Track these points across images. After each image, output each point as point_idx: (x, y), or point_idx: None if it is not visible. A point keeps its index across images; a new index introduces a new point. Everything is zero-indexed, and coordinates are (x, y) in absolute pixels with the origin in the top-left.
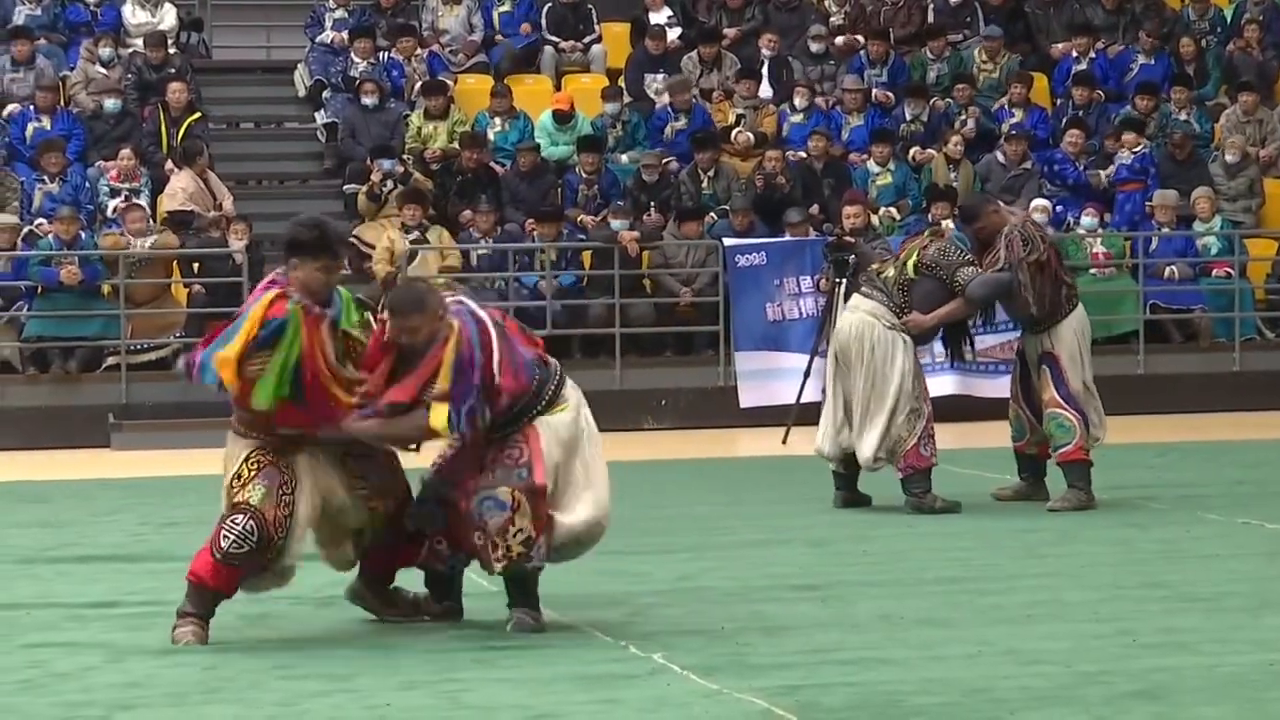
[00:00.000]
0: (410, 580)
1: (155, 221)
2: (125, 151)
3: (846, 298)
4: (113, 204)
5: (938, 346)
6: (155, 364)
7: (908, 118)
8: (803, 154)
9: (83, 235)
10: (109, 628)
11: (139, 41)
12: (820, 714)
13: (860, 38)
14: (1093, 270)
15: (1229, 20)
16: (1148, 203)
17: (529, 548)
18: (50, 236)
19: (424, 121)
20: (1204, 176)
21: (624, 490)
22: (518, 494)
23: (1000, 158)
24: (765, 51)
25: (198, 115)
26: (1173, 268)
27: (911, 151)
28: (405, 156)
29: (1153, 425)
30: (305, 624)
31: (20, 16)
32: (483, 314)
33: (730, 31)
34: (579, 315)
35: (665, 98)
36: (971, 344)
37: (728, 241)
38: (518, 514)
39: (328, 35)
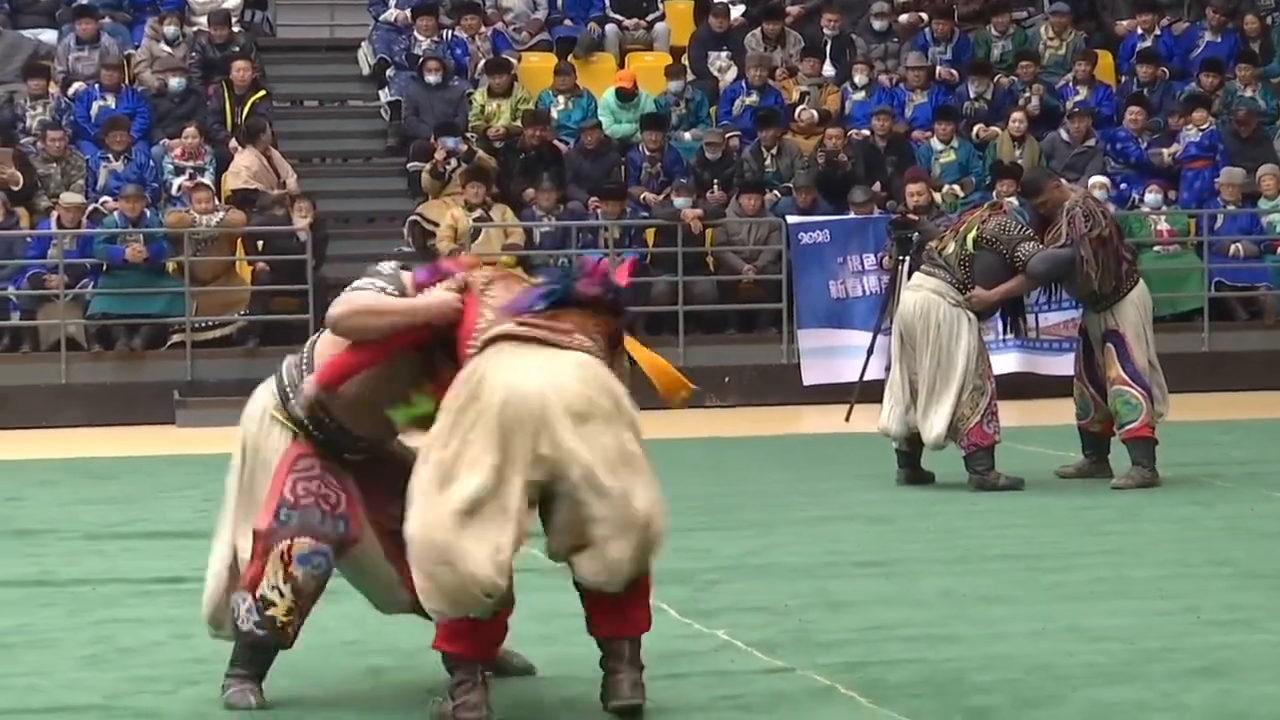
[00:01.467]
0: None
1: (220, 199)
2: (189, 130)
3: (909, 275)
4: (178, 182)
5: (998, 323)
6: (220, 341)
7: (971, 95)
8: (866, 132)
9: (148, 213)
10: (175, 603)
11: (203, 20)
12: (884, 691)
13: (924, 15)
14: (1157, 247)
15: None
16: (1216, 180)
17: None
18: (115, 214)
19: (487, 99)
20: (1269, 153)
21: (688, 467)
22: None
23: (1064, 135)
24: (828, 29)
25: (262, 93)
26: (1238, 245)
27: (975, 129)
28: (469, 134)
29: (1217, 403)
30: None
31: None
32: None
33: (793, 9)
34: (642, 293)
35: (731, 74)
36: (1025, 319)
37: (791, 219)
38: None
39: (391, 13)
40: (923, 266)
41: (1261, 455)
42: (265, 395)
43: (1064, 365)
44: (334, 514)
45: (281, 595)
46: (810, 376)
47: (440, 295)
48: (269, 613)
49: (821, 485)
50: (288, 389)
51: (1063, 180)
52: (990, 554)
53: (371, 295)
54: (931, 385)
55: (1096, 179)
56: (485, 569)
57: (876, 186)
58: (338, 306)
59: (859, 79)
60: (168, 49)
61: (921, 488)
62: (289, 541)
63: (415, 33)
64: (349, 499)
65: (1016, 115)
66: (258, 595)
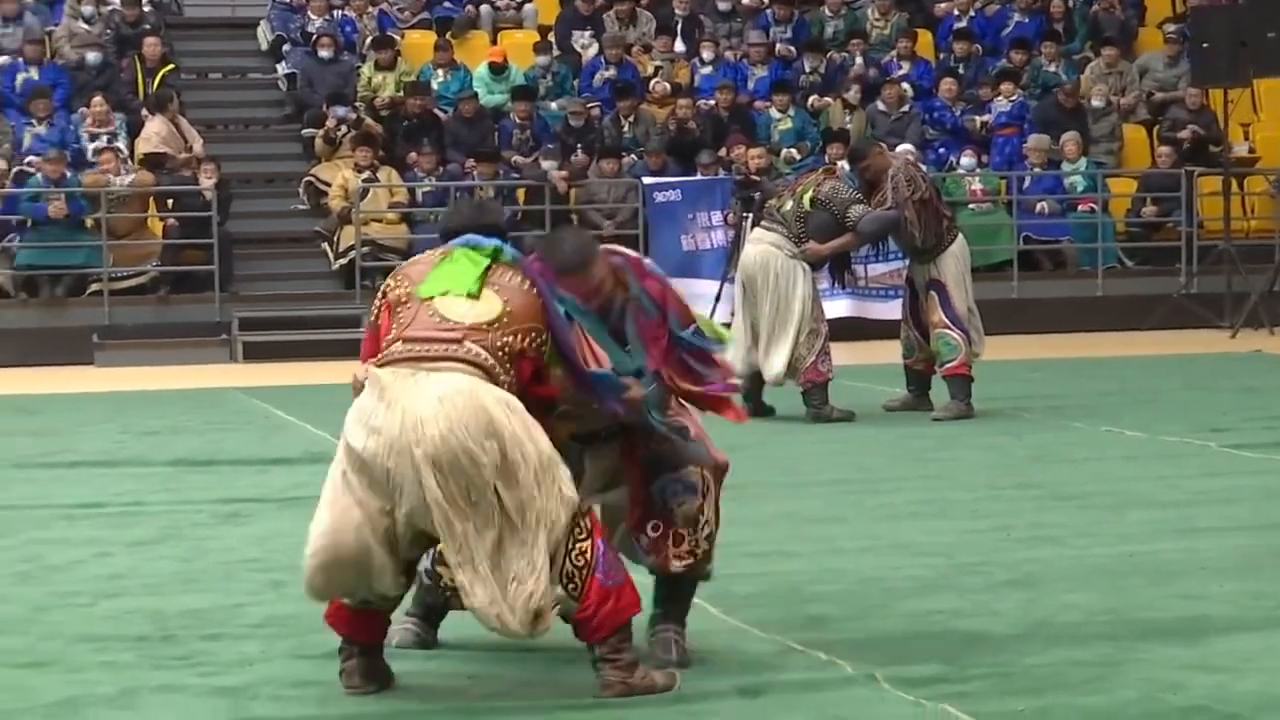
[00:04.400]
0: None
1: (133, 162)
2: (97, 100)
3: (751, 230)
4: (92, 146)
5: (827, 274)
6: (134, 290)
7: (807, 69)
8: (712, 102)
9: (68, 174)
10: (95, 525)
11: (117, 0)
12: (732, 601)
13: None
14: (971, 205)
15: None
16: (1024, 145)
17: (712, 546)
18: (39, 175)
19: (374, 72)
20: (1084, 124)
21: None
22: (706, 474)
23: (880, 105)
24: (679, 10)
25: (171, 67)
26: (1043, 204)
27: (810, 100)
28: (357, 104)
29: (1025, 344)
30: (273, 522)
31: None
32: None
33: None
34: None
35: (593, 50)
36: (852, 271)
37: (646, 180)
38: (706, 500)
39: None
40: (763, 222)
41: (1063, 390)
42: None
43: (889, 310)
44: None
45: None
46: None
47: None
48: None
49: None
50: None
51: (885, 147)
52: (824, 479)
53: None
54: (771, 328)
55: (903, 147)
56: None
57: (721, 151)
58: None
59: (706, 55)
60: (85, 26)
61: (763, 420)
62: None
63: (309, 12)
64: None
65: (852, 85)
66: None
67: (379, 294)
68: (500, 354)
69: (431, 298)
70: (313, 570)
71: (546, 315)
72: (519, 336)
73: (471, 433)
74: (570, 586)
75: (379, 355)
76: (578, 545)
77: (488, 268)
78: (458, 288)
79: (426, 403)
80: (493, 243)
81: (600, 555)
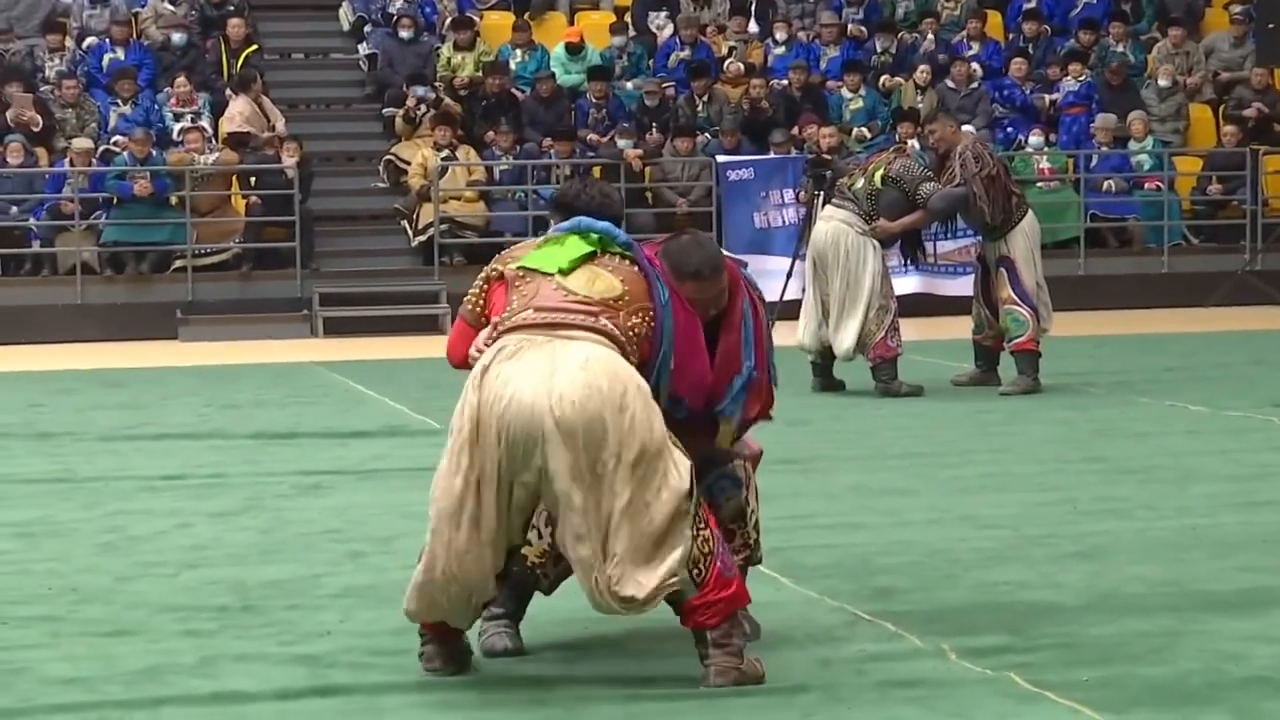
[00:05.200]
0: None
1: (217, 141)
2: (181, 80)
3: (823, 207)
4: (177, 127)
5: (898, 251)
6: (217, 266)
7: (878, 50)
8: (785, 82)
9: (153, 153)
10: (178, 497)
11: None
12: (801, 572)
13: None
14: (1039, 183)
15: None
16: (1092, 125)
17: (759, 532)
18: (125, 153)
19: (453, 53)
20: (1137, 101)
21: None
22: (746, 466)
23: (949, 83)
24: None
25: (254, 47)
26: (1110, 181)
27: (881, 79)
28: (437, 83)
29: (1092, 320)
30: (353, 494)
31: None
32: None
33: None
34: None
35: (668, 31)
36: (923, 249)
37: (720, 158)
38: (749, 491)
39: None
40: (834, 200)
41: (1129, 366)
42: None
43: (958, 287)
44: None
45: None
46: None
47: None
48: None
49: None
50: None
51: (955, 119)
52: (893, 452)
53: None
54: (841, 304)
55: (966, 129)
56: None
57: (794, 130)
58: None
59: (779, 35)
60: (170, 7)
61: (833, 395)
62: None
63: None
64: None
65: (921, 66)
66: None
67: (482, 279)
68: (629, 334)
69: (551, 273)
70: (415, 597)
71: (651, 296)
72: (640, 318)
73: (608, 402)
74: (694, 572)
75: (504, 321)
76: (700, 533)
77: (593, 252)
78: (567, 264)
79: (565, 369)
80: (603, 226)
81: (720, 544)
